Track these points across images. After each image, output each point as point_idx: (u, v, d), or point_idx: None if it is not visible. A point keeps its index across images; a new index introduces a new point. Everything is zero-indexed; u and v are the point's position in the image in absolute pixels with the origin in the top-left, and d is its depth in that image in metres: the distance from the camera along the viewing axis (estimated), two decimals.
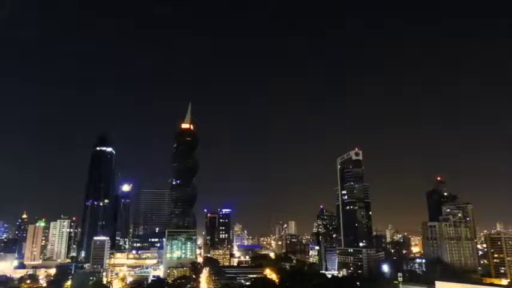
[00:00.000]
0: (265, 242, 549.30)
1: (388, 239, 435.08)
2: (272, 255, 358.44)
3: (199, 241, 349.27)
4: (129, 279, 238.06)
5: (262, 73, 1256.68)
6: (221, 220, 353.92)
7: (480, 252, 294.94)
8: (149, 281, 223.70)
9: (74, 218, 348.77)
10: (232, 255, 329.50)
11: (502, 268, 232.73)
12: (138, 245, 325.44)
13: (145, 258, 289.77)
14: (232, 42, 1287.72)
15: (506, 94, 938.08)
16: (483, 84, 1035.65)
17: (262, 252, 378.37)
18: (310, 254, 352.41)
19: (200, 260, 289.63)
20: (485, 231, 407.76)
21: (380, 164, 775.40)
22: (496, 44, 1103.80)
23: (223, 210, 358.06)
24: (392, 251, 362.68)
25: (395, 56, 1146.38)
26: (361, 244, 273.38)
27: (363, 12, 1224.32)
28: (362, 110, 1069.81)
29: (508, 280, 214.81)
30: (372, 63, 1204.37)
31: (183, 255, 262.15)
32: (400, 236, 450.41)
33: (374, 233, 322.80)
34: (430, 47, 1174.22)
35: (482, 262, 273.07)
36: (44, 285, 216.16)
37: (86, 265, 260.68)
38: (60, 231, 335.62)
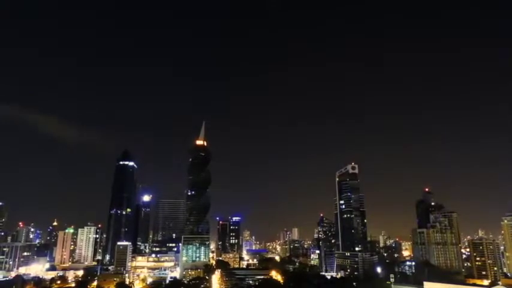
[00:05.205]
0: (271, 247, 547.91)
1: (382, 244, 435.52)
2: (277, 258, 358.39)
3: (212, 246, 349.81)
4: (149, 280, 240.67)
5: (262, 86, 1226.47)
6: (231, 227, 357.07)
7: (464, 256, 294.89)
8: (167, 281, 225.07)
9: (99, 225, 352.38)
10: (241, 259, 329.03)
11: (484, 270, 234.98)
12: (157, 249, 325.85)
13: (163, 261, 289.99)
14: (234, 56, 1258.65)
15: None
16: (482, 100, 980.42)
17: (269, 256, 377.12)
18: (311, 257, 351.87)
19: (213, 262, 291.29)
20: (468, 237, 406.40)
21: (375, 176, 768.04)
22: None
23: (234, 218, 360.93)
24: (385, 254, 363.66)
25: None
26: (357, 248, 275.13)
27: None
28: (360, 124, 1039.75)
29: (489, 281, 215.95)
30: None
31: (197, 259, 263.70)
32: (392, 241, 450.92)
33: (369, 239, 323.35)
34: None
35: (465, 265, 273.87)
36: (73, 285, 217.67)
37: (110, 267, 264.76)
38: (87, 237, 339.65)
